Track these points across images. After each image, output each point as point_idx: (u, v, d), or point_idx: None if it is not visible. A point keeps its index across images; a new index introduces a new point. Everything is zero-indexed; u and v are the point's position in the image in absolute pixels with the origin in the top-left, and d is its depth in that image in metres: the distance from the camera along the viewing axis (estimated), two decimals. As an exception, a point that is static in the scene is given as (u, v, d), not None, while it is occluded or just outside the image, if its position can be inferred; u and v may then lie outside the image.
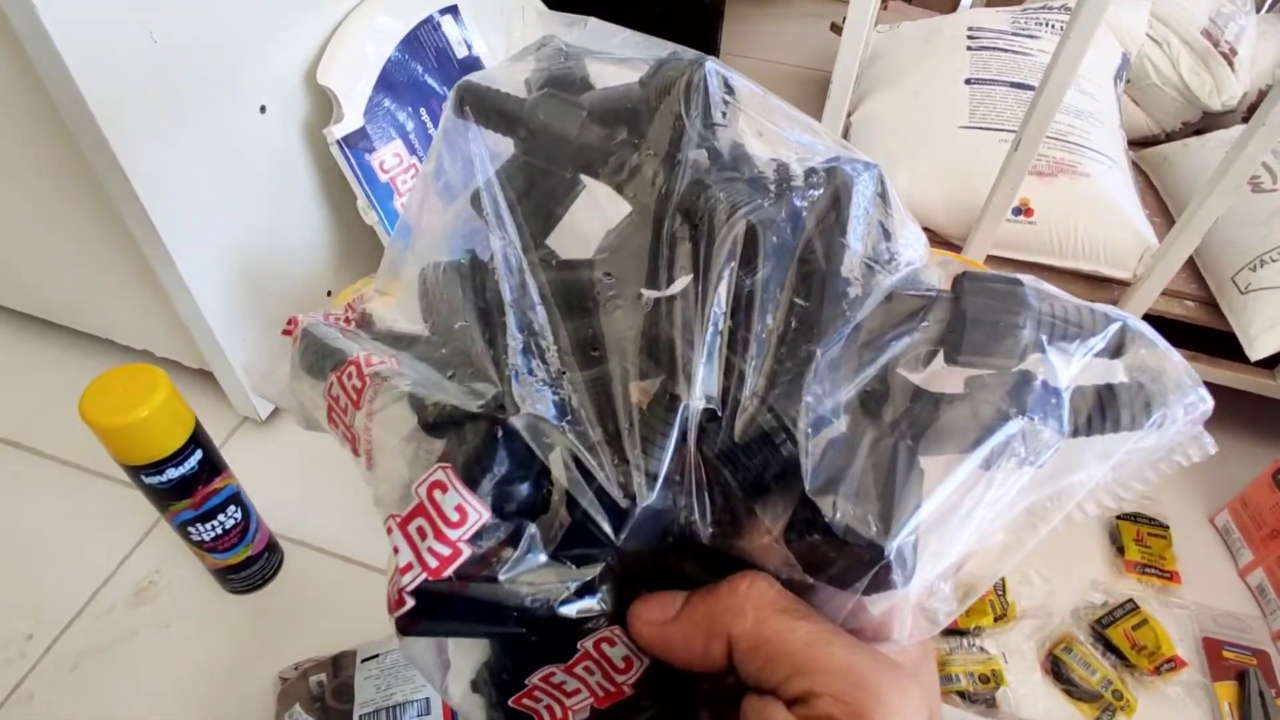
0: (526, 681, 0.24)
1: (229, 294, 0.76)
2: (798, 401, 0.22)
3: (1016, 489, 0.22)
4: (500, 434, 0.22)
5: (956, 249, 0.91)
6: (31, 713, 0.66)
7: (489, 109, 0.26)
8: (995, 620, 0.73)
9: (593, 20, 0.28)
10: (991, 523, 0.22)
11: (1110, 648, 0.73)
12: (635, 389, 0.22)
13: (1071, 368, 0.23)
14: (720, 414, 0.22)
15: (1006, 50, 1.05)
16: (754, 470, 0.22)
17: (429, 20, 0.87)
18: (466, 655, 0.26)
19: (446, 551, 0.21)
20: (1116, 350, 0.24)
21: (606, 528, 0.21)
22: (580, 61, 0.27)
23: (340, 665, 0.64)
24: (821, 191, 0.24)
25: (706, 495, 0.22)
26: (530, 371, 0.23)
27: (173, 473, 0.60)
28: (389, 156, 0.82)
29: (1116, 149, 0.97)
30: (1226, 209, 0.74)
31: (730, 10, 1.30)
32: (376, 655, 0.64)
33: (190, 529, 0.64)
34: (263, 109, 0.74)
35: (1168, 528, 0.83)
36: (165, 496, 0.61)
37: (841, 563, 0.21)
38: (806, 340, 0.22)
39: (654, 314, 0.23)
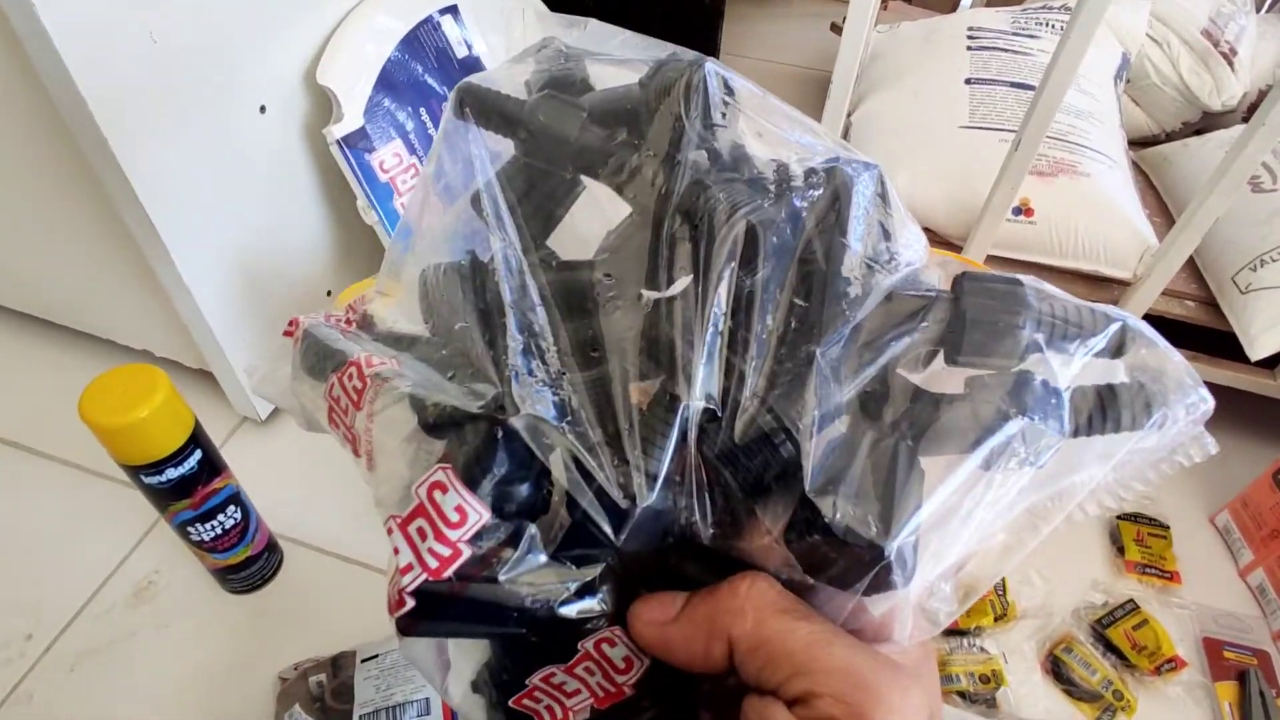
0: (527, 682, 0.24)
1: (229, 294, 0.76)
2: (798, 402, 0.22)
3: (1017, 489, 0.22)
4: (500, 435, 0.22)
5: (956, 249, 0.91)
6: (31, 713, 0.66)
7: (489, 110, 0.26)
8: (995, 620, 0.73)
9: (592, 22, 0.28)
10: (992, 523, 0.22)
11: (1111, 648, 0.73)
12: (635, 390, 0.22)
13: (1072, 368, 0.23)
14: (720, 414, 0.22)
15: (1006, 50, 1.05)
16: (754, 471, 0.22)
17: (429, 20, 0.87)
18: (467, 656, 0.26)
19: (447, 552, 0.21)
20: (1117, 350, 0.24)
21: (606, 528, 0.21)
22: (580, 63, 0.27)
23: (340, 665, 0.64)
24: (821, 192, 0.24)
25: (707, 496, 0.22)
26: (530, 372, 0.23)
27: (172, 473, 0.60)
28: (389, 156, 0.82)
29: (1116, 149, 0.97)
30: (1226, 209, 0.74)
31: (730, 10, 1.30)
32: (376, 655, 0.64)
33: (190, 529, 0.64)
34: (263, 109, 0.74)
35: (1168, 528, 0.83)
36: (165, 496, 0.61)
37: (842, 563, 0.21)
38: (806, 341, 0.22)
39: (654, 315, 0.23)
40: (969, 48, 1.07)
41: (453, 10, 0.90)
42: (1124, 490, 0.24)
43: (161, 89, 0.64)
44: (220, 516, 0.65)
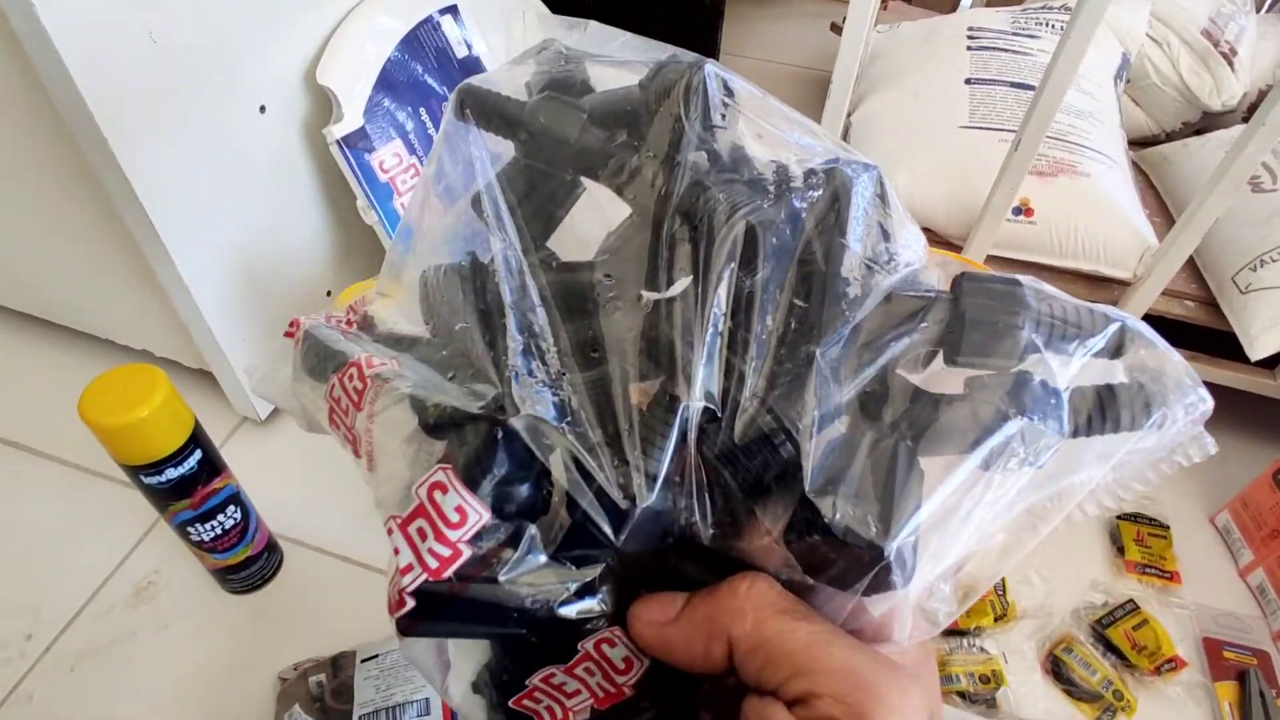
0: (527, 682, 0.24)
1: (228, 294, 0.76)
2: (797, 402, 0.22)
3: (1016, 490, 0.22)
4: (500, 435, 0.22)
5: (957, 249, 0.91)
6: (30, 713, 0.66)
7: (490, 112, 0.26)
8: (995, 620, 0.73)
9: (593, 24, 0.28)
10: (991, 523, 0.22)
11: (1110, 648, 0.73)
12: (635, 390, 0.22)
13: (1071, 368, 0.23)
14: (720, 415, 0.22)
15: (1006, 50, 1.05)
16: (754, 471, 0.22)
17: (429, 20, 0.87)
18: (467, 656, 0.26)
19: (447, 552, 0.21)
20: (1116, 350, 0.24)
21: (606, 529, 0.21)
22: (580, 65, 0.27)
23: (340, 665, 0.64)
24: (821, 193, 0.24)
25: (706, 496, 0.22)
26: (530, 373, 0.23)
27: (172, 473, 0.60)
28: (389, 156, 0.82)
29: (1116, 149, 0.97)
30: (1226, 209, 0.74)
31: (730, 10, 1.30)
32: (376, 655, 0.64)
33: (190, 529, 0.64)
34: (262, 109, 0.74)
35: (1168, 528, 0.83)
36: (165, 496, 0.61)
37: (841, 563, 0.21)
38: (806, 341, 0.22)
39: (654, 315, 0.23)
40: (969, 48, 1.07)
41: (453, 10, 0.90)
42: (1123, 490, 0.24)
43: (161, 89, 0.64)
44: (220, 516, 0.65)
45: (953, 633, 0.73)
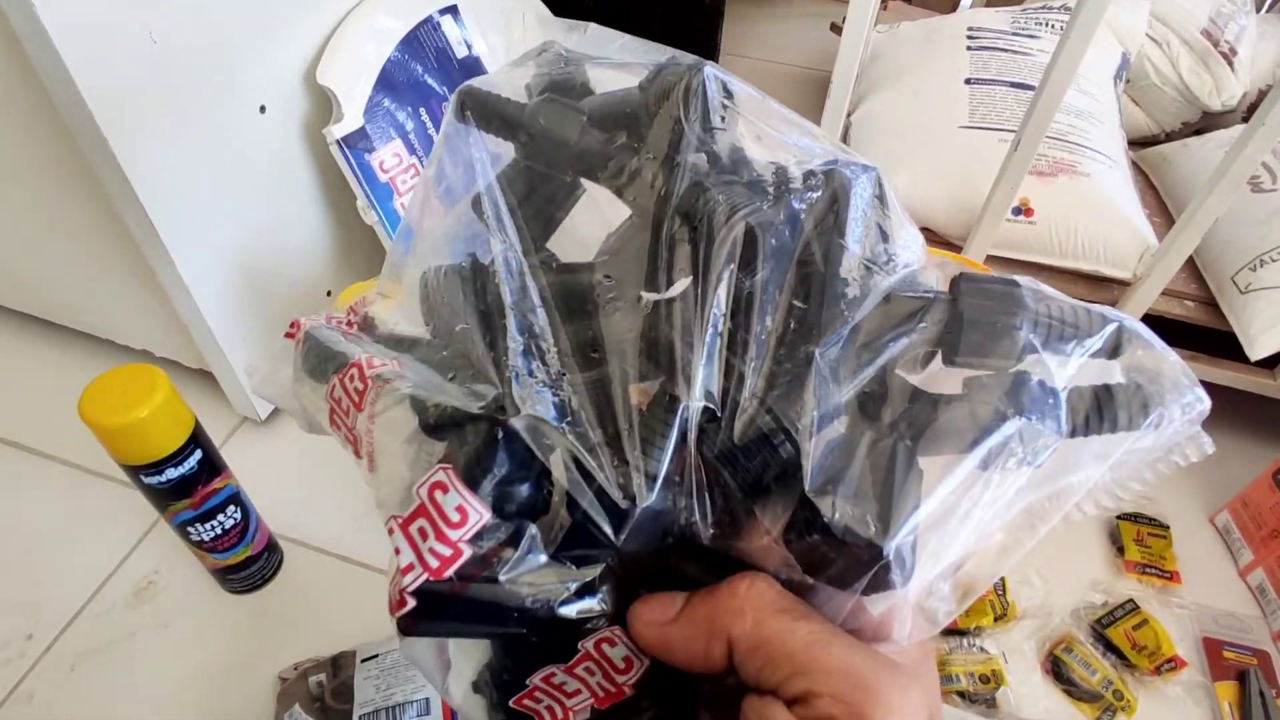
0: (527, 682, 0.24)
1: (228, 294, 0.76)
2: (797, 402, 0.22)
3: (1015, 489, 0.22)
4: (501, 435, 0.22)
5: (957, 249, 0.91)
6: (31, 712, 0.66)
7: (490, 114, 0.26)
8: (995, 620, 0.74)
9: (592, 26, 0.28)
10: (990, 523, 0.22)
11: (1110, 648, 0.73)
12: (635, 390, 0.22)
13: (1068, 368, 0.23)
14: (720, 415, 0.22)
15: (1006, 50, 1.05)
16: (753, 471, 0.22)
17: (429, 20, 0.87)
18: (467, 656, 0.26)
19: (447, 552, 0.21)
20: (1113, 351, 0.24)
21: (606, 528, 0.21)
22: (580, 67, 0.27)
23: (340, 665, 0.64)
24: (820, 194, 0.24)
25: (706, 496, 0.22)
26: (530, 373, 0.23)
27: (172, 473, 0.60)
28: (389, 156, 0.82)
29: (1116, 149, 0.97)
30: (1226, 209, 0.74)
31: (730, 10, 1.30)
32: (376, 655, 0.64)
33: (190, 529, 0.65)
34: (262, 109, 0.75)
35: (1168, 528, 0.83)
36: (165, 496, 0.61)
37: (841, 563, 0.21)
38: (805, 341, 0.23)
39: (653, 316, 0.23)
40: (969, 48, 1.07)
41: (453, 10, 0.90)
42: (1121, 490, 0.24)
43: (161, 89, 0.64)
44: (220, 516, 0.65)
45: (952, 632, 0.73)
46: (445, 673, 0.26)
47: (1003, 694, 0.69)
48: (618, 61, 0.27)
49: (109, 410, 0.55)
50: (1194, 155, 1.04)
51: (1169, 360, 0.24)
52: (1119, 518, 0.83)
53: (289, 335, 0.30)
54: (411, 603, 0.21)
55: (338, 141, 0.78)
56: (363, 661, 0.63)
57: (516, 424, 0.22)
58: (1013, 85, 0.99)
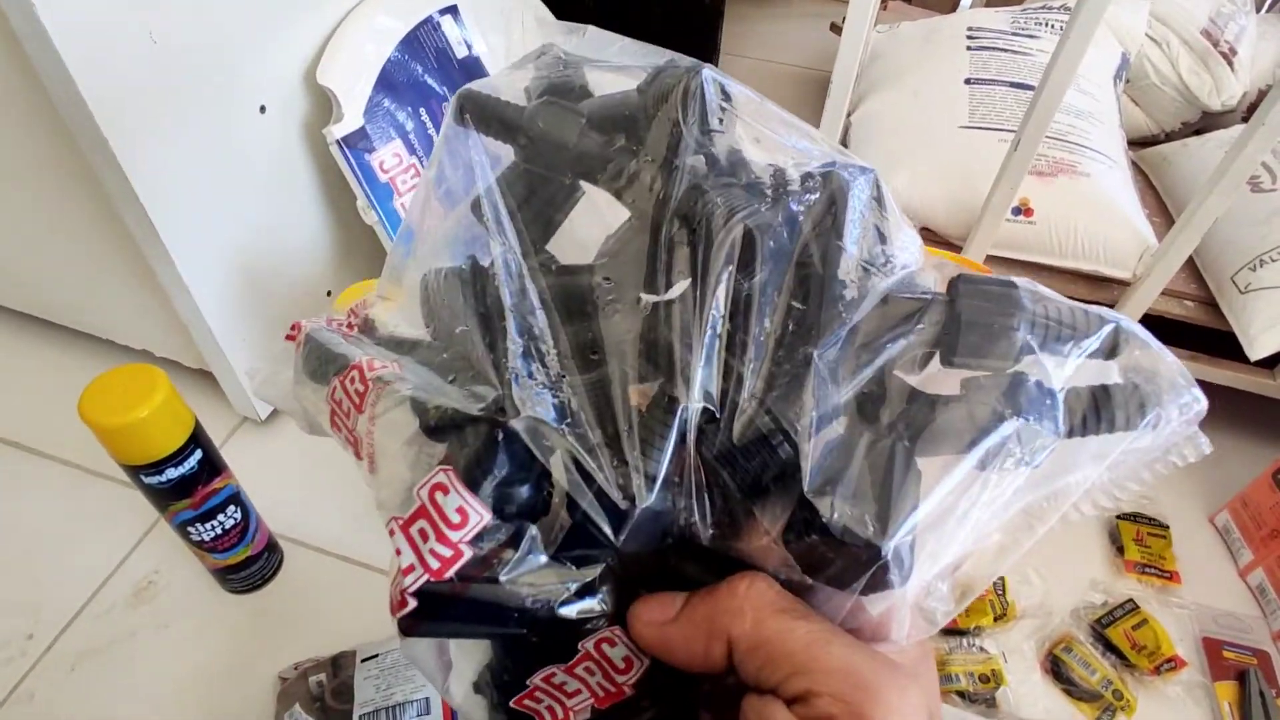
0: (528, 682, 0.24)
1: (228, 294, 0.76)
2: (795, 403, 0.22)
3: (1013, 489, 0.22)
4: (501, 437, 0.22)
5: (956, 249, 0.91)
6: (31, 712, 0.66)
7: (489, 116, 0.26)
8: (995, 620, 0.74)
9: (591, 29, 0.28)
10: (988, 523, 0.23)
11: (1110, 647, 0.73)
12: (634, 392, 0.22)
13: (1066, 369, 0.23)
14: (719, 416, 0.22)
15: (1006, 50, 1.05)
16: (752, 472, 0.22)
17: (429, 20, 0.87)
18: (468, 656, 0.26)
19: (448, 553, 0.21)
20: (1110, 351, 0.24)
21: (606, 529, 0.21)
22: (579, 69, 0.27)
23: (340, 665, 0.64)
24: (818, 196, 0.24)
25: (705, 497, 0.22)
26: (530, 375, 0.23)
27: (172, 473, 0.60)
28: (389, 156, 0.82)
29: (1116, 149, 0.97)
30: (1226, 209, 0.74)
31: (730, 10, 1.30)
32: (376, 655, 0.64)
33: (190, 529, 0.65)
34: (263, 109, 0.75)
35: (1168, 527, 0.83)
36: (165, 496, 0.61)
37: (839, 563, 0.21)
38: (804, 343, 0.23)
39: (653, 318, 0.23)
40: (969, 48, 1.07)
41: (453, 10, 0.90)
42: (1119, 490, 0.24)
43: (161, 89, 0.64)
44: (220, 516, 0.65)
45: (952, 632, 0.73)
46: (446, 673, 0.26)
47: (1002, 694, 0.69)
48: (616, 64, 0.27)
49: (109, 410, 0.55)
50: (1194, 155, 1.04)
51: (1166, 361, 0.24)
52: (1119, 517, 0.83)
53: (290, 337, 0.30)
54: (412, 603, 0.21)
55: (338, 141, 0.78)
56: (363, 661, 0.64)
57: (516, 425, 0.22)
58: (1012, 85, 0.99)
